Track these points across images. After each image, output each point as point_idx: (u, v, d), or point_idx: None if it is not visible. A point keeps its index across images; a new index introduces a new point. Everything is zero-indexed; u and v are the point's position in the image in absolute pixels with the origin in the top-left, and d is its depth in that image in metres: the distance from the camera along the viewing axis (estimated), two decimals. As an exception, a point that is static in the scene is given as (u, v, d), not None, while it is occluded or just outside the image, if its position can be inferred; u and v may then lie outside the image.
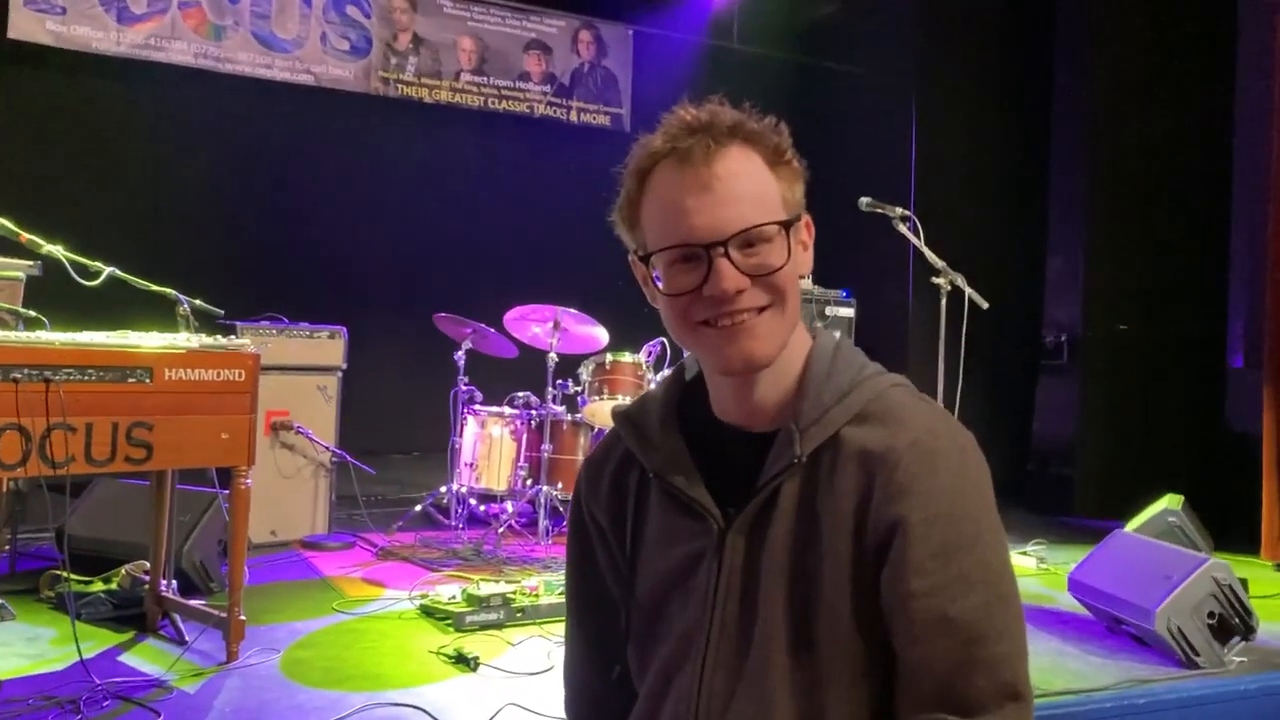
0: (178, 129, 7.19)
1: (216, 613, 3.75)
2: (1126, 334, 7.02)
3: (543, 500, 5.62)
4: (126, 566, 4.23)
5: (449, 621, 4.09)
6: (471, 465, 5.93)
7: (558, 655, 3.78)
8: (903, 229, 4.32)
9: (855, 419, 1.23)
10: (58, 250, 3.79)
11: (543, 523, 5.59)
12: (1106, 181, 7.18)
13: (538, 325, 5.98)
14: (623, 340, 6.04)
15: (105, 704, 3.20)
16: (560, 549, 5.50)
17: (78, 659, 3.38)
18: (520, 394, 6.12)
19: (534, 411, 5.92)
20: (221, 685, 3.43)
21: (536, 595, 4.28)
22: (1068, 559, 5.19)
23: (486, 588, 4.23)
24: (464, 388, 6.05)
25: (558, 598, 4.32)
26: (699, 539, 1.29)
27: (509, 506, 5.87)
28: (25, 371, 3.18)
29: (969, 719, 1.13)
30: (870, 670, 1.20)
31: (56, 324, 3.78)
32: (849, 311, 6.63)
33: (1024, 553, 5.55)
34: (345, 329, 5.85)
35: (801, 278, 1.28)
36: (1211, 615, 3.78)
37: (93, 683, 3.30)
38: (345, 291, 7.17)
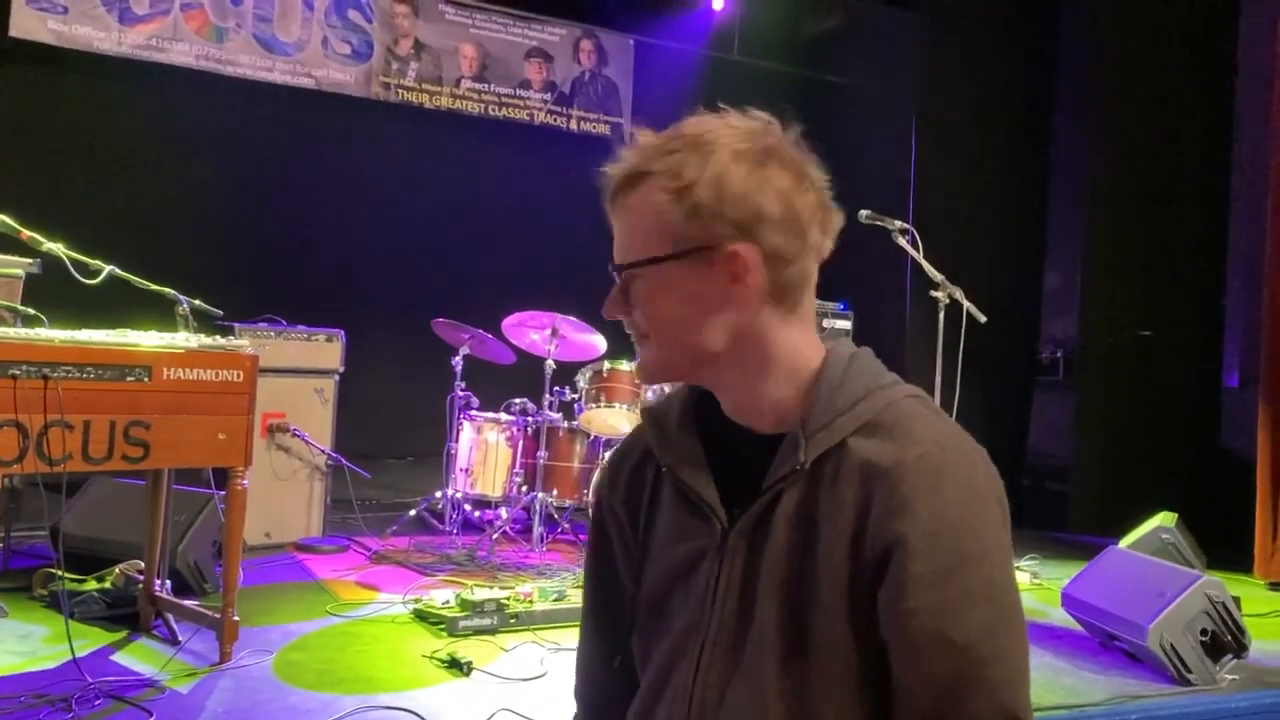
0: (178, 130, 7.20)
1: (210, 613, 3.75)
2: (1122, 351, 7.03)
3: (537, 507, 5.62)
4: (120, 566, 4.22)
5: (442, 626, 4.09)
6: (467, 471, 5.92)
7: (551, 662, 3.78)
8: (902, 242, 4.33)
9: (863, 429, 1.22)
10: (58, 248, 3.79)
11: (537, 529, 5.59)
12: (1104, 198, 7.20)
13: (536, 332, 5.98)
14: (621, 349, 6.04)
15: (97, 703, 3.20)
16: (554, 556, 5.51)
17: (70, 657, 3.38)
18: (517, 400, 6.11)
19: (530, 418, 5.92)
20: (214, 686, 3.42)
21: (530, 601, 4.28)
22: (1061, 574, 5.20)
23: (480, 593, 4.23)
24: (461, 393, 6.04)
25: (552, 604, 4.32)
26: (703, 538, 1.29)
27: (503, 513, 5.87)
28: (24, 368, 3.18)
29: None
30: (862, 684, 1.19)
31: (55, 322, 3.78)
32: (846, 324, 6.65)
33: (1018, 568, 5.56)
34: (343, 332, 5.85)
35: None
36: (1204, 632, 3.79)
37: (85, 681, 3.29)
38: (343, 295, 7.17)
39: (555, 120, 8.65)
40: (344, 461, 5.75)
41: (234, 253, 7.16)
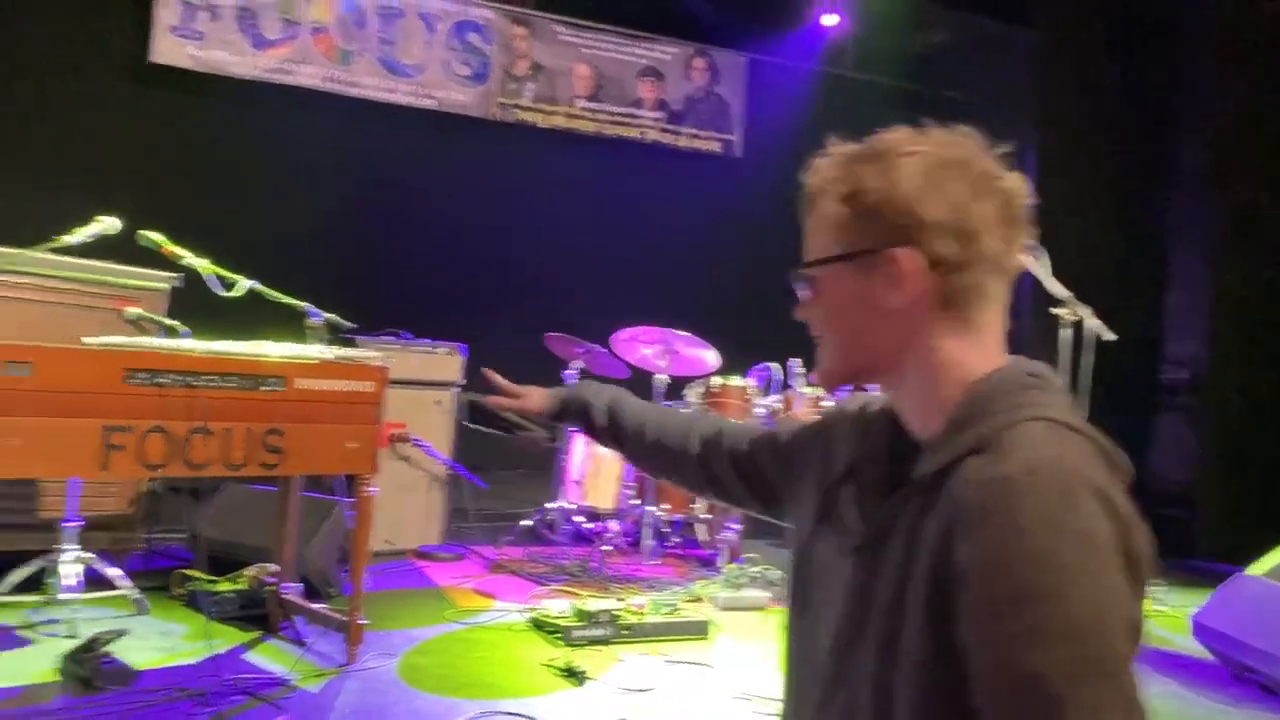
0: (306, 149, 7.47)
1: (337, 616, 3.88)
2: (1251, 372, 6.78)
3: (648, 520, 5.66)
4: (252, 568, 4.39)
5: (558, 635, 4.16)
6: (579, 483, 6.00)
7: (666, 674, 3.82)
8: (1025, 260, 4.27)
9: (980, 447, 1.14)
10: (200, 263, 3.99)
11: (647, 543, 5.64)
12: (1230, 215, 6.97)
13: (647, 347, 6.04)
14: (733, 364, 6.08)
15: (234, 698, 3.33)
16: (665, 570, 5.55)
17: (208, 654, 3.54)
18: (628, 415, 6.17)
19: (641, 432, 5.96)
20: (341, 687, 3.54)
21: (643, 613, 4.32)
22: (1186, 602, 5.03)
23: (595, 604, 4.29)
24: (573, 407, 6.11)
25: (664, 617, 4.36)
26: (848, 535, 1.32)
27: (614, 525, 5.93)
28: (170, 377, 3.34)
29: None
30: (945, 701, 1.11)
31: (194, 333, 3.98)
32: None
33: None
34: (463, 346, 6.00)
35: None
36: (1346, 665, 3.64)
37: (222, 677, 3.44)
38: (462, 309, 7.33)
39: (667, 138, 8.73)
40: (463, 471, 5.89)
41: (358, 267, 7.39)
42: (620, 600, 4.42)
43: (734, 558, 5.48)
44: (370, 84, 7.67)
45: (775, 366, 5.96)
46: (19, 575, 3.98)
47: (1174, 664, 4.27)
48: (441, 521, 5.87)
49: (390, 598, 4.72)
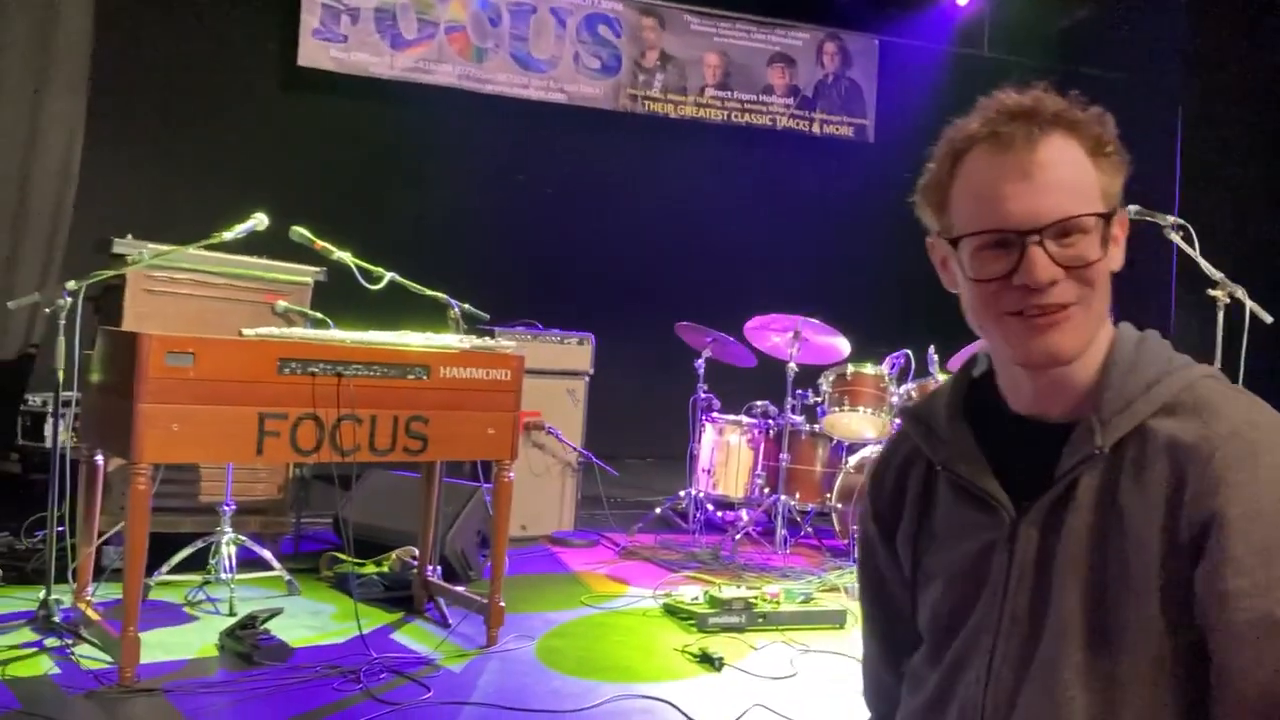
0: (441, 146, 7.66)
1: (478, 599, 3.98)
2: None
3: (780, 510, 5.64)
4: (396, 552, 4.55)
5: (692, 622, 4.18)
6: (709, 472, 6.02)
7: (801, 663, 3.81)
8: (1175, 238, 4.08)
9: (1163, 410, 1.19)
10: (347, 256, 4.15)
11: (780, 532, 5.62)
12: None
13: (777, 335, 6.01)
14: (865, 352, 6.00)
15: (381, 676, 3.46)
16: (798, 559, 5.53)
17: (356, 634, 3.68)
18: (759, 403, 6.17)
19: (772, 421, 5.95)
20: (484, 667, 3.64)
21: (778, 602, 4.31)
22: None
23: (728, 591, 4.30)
24: (703, 395, 6.15)
25: (799, 606, 4.34)
26: (989, 531, 1.28)
27: (744, 514, 5.92)
28: (321, 366, 3.48)
29: None
30: (1175, 671, 1.15)
31: (335, 324, 4.14)
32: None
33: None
34: (593, 336, 6.08)
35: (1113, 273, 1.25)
36: None
37: (370, 656, 3.58)
38: (593, 299, 7.42)
39: (798, 124, 8.65)
40: (594, 459, 5.97)
41: (493, 260, 7.54)
42: (754, 588, 4.42)
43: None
44: (503, 80, 7.81)
45: (911, 354, 5.86)
46: (181, 555, 4.21)
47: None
48: (574, 508, 5.96)
49: (527, 582, 4.83)
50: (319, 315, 4.48)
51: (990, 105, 1.24)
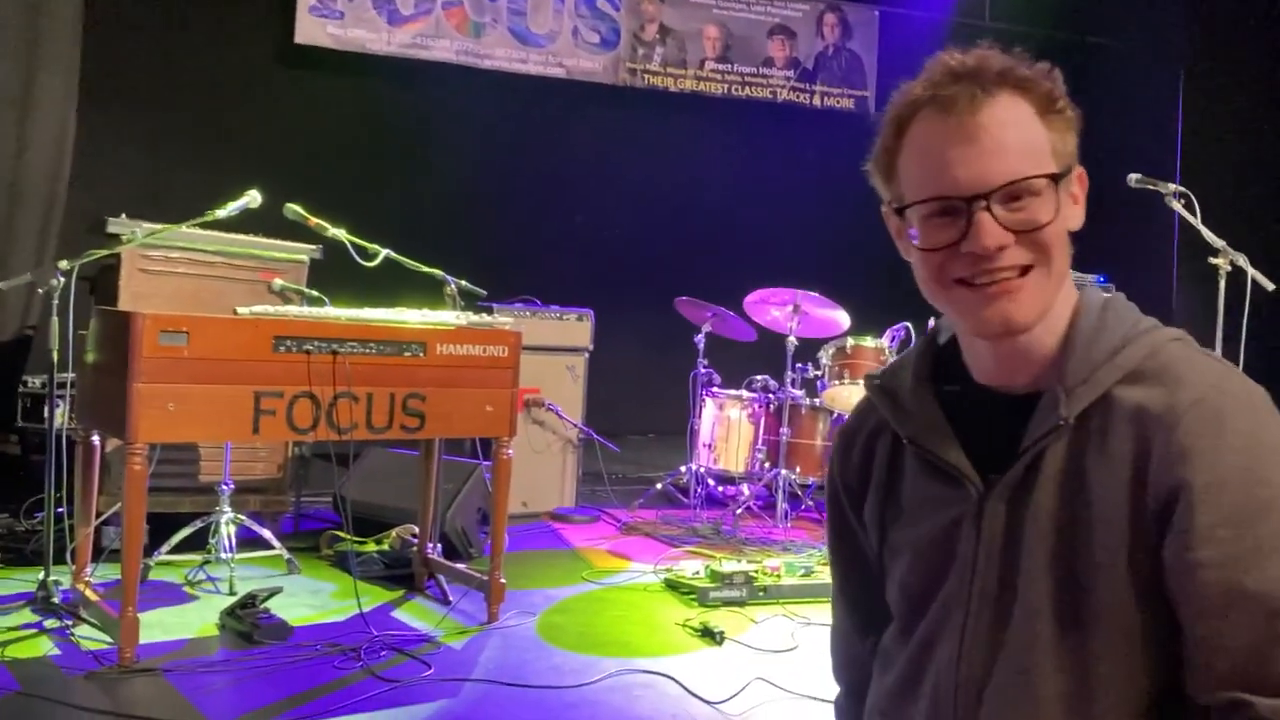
0: (439, 122, 7.60)
1: (478, 576, 3.98)
2: None
3: (780, 484, 5.63)
4: (396, 529, 4.55)
5: (693, 596, 4.18)
6: (710, 447, 6.01)
7: (802, 635, 3.80)
8: (1177, 206, 4.05)
9: (1128, 378, 1.16)
10: (342, 233, 4.11)
11: (780, 506, 5.61)
12: None
13: (777, 309, 5.98)
14: (865, 324, 5.97)
15: (382, 653, 3.46)
16: (799, 533, 5.52)
17: (357, 612, 3.68)
18: (759, 377, 6.15)
19: (772, 395, 5.93)
20: (484, 644, 3.64)
21: (778, 575, 4.31)
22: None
23: (729, 565, 4.29)
24: (703, 370, 6.13)
25: (800, 579, 4.34)
26: (956, 506, 1.24)
27: (745, 489, 5.91)
28: (316, 344, 3.46)
29: (1275, 699, 1.05)
30: (1146, 644, 1.13)
31: (333, 302, 4.11)
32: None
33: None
34: (593, 312, 6.05)
35: (1072, 232, 1.21)
36: None
37: (371, 634, 3.57)
38: (592, 275, 7.38)
39: (798, 97, 8.58)
40: (595, 435, 5.96)
41: (491, 236, 7.50)
42: (754, 562, 4.41)
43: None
44: (501, 55, 7.74)
45: (911, 327, 5.83)
46: (181, 535, 4.20)
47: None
48: (575, 484, 5.95)
49: (527, 558, 4.82)
50: (315, 293, 4.46)
51: (934, 67, 1.19)
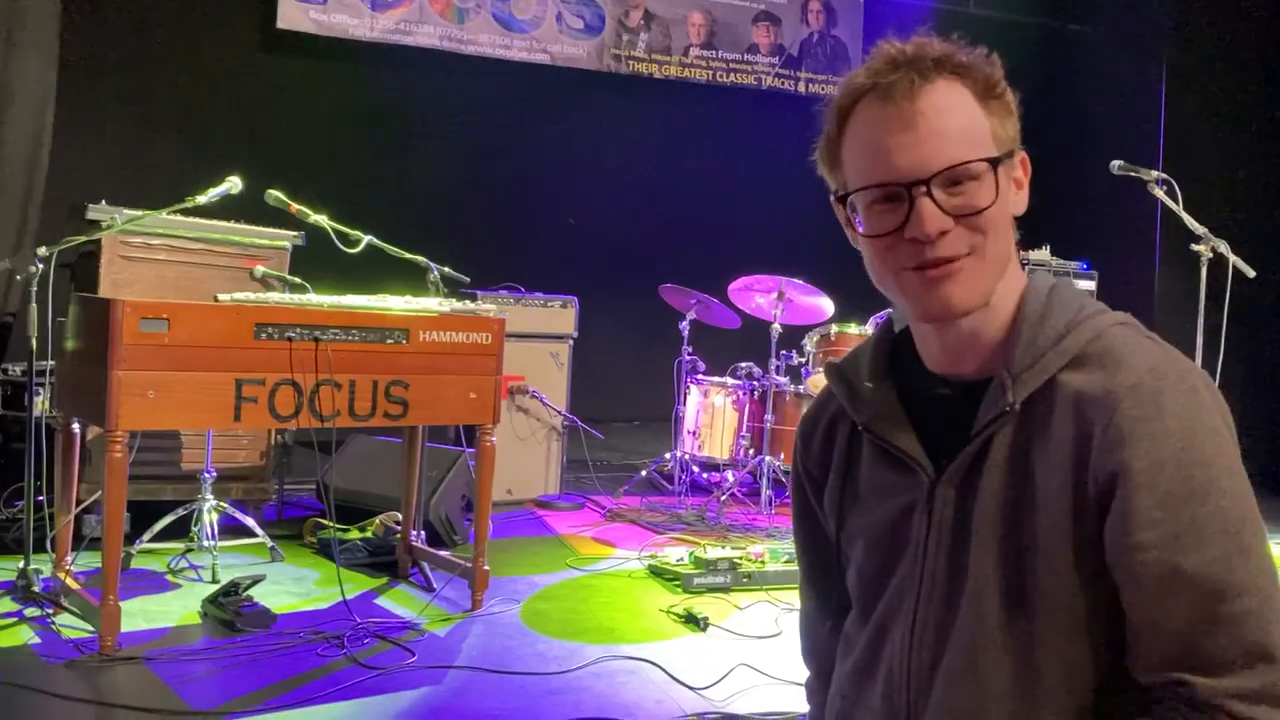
0: (423, 109, 7.56)
1: (462, 563, 3.98)
2: None
3: (764, 470, 5.64)
4: (380, 517, 4.54)
5: (677, 582, 4.19)
6: (694, 434, 6.01)
7: (785, 621, 3.81)
8: (1159, 193, 4.07)
9: (1072, 363, 1.17)
10: (324, 220, 4.09)
11: (765, 492, 5.62)
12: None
13: (762, 296, 5.98)
14: (849, 312, 5.98)
15: (365, 641, 3.46)
16: (783, 519, 5.53)
17: (340, 599, 3.67)
18: (743, 364, 6.15)
19: (756, 382, 5.94)
20: (468, 631, 3.63)
21: (762, 562, 4.32)
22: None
23: (713, 552, 4.30)
24: (687, 357, 6.13)
25: (784, 565, 4.34)
26: (909, 492, 1.26)
27: (730, 475, 5.92)
28: (298, 331, 3.45)
29: (1213, 678, 1.07)
30: (1091, 627, 1.15)
31: (316, 289, 4.09)
32: (1089, 284, 6.32)
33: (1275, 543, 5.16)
34: (577, 299, 6.04)
35: (1016, 217, 1.23)
36: None
37: (354, 621, 3.57)
38: (576, 262, 7.36)
39: (783, 84, 8.57)
40: (579, 422, 5.96)
41: (474, 223, 7.48)
42: (738, 549, 4.42)
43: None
44: (485, 41, 7.70)
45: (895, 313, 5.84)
46: (163, 523, 4.18)
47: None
48: (560, 472, 5.95)
49: (512, 545, 4.82)
50: (298, 280, 4.43)
51: (875, 56, 1.20)
